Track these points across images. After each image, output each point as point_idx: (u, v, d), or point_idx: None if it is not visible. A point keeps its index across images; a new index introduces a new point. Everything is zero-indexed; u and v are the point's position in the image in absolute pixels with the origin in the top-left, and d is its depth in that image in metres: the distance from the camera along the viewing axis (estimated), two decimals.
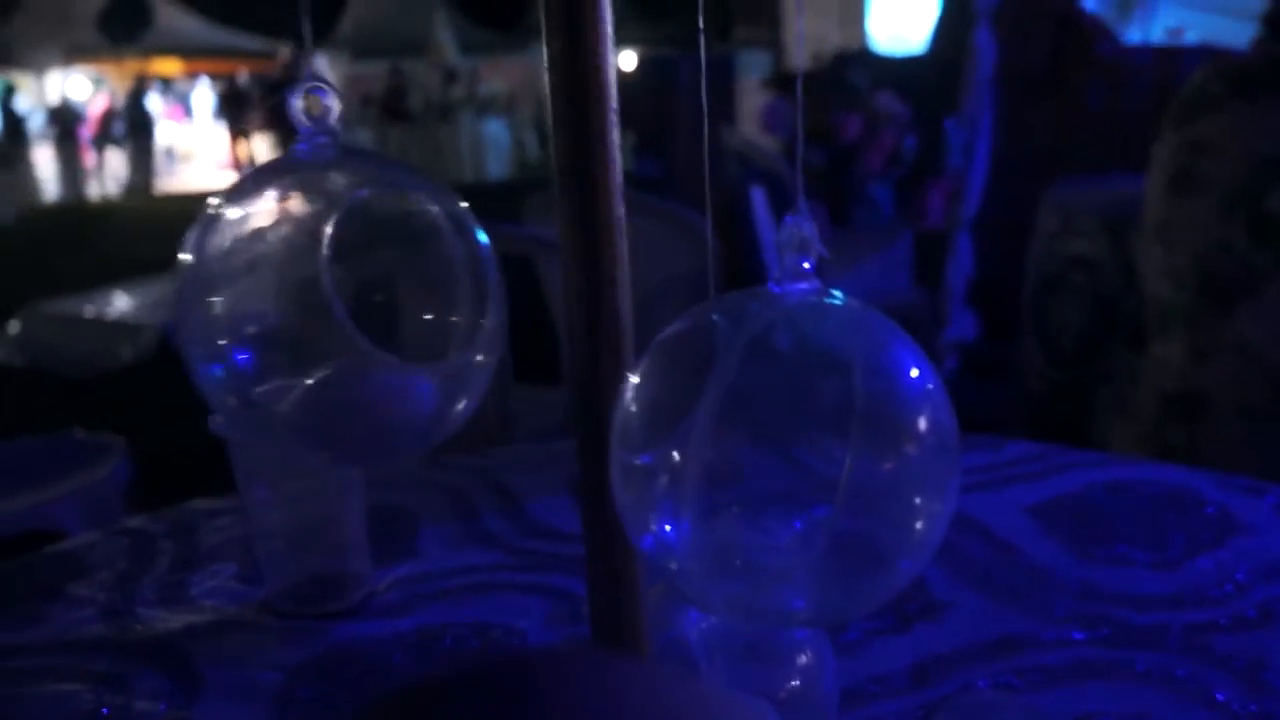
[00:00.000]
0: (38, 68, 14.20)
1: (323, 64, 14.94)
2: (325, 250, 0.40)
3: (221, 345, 0.42)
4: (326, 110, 0.43)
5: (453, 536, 0.96)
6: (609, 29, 0.39)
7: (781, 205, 3.47)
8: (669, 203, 2.70)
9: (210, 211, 0.43)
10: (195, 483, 1.12)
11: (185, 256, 0.43)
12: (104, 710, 0.71)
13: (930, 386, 0.38)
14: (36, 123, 13.84)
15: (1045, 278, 2.51)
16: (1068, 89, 3.66)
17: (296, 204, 0.42)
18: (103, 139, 14.00)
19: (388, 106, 12.74)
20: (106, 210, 11.94)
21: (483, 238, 0.43)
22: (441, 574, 0.90)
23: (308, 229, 0.41)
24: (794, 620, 0.46)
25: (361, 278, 0.43)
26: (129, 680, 0.75)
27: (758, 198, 3.46)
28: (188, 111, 16.49)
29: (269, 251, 0.42)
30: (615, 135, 0.39)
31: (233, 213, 0.43)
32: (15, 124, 13.20)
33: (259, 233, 0.42)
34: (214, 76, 15.57)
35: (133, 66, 14.81)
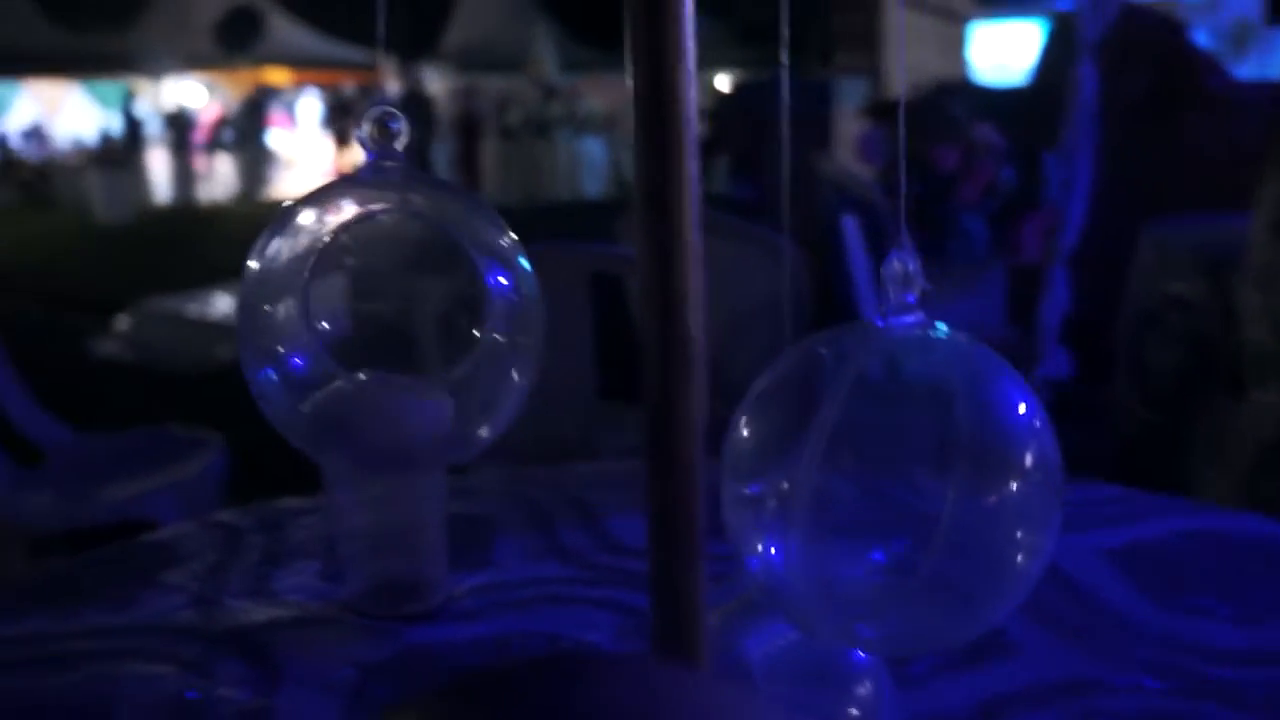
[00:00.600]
0: (155, 74, 14.71)
1: (429, 77, 15.26)
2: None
3: (277, 350, 0.44)
4: (394, 135, 0.45)
5: (529, 548, 0.98)
6: (693, 54, 0.40)
7: (874, 234, 3.45)
8: (760, 227, 2.70)
9: (274, 225, 0.45)
10: (286, 481, 1.16)
11: (250, 264, 0.45)
12: (189, 694, 0.74)
13: (1036, 422, 0.38)
14: (153, 127, 14.34)
15: (1141, 317, 2.45)
16: (1172, 123, 3.59)
17: (346, 220, 0.44)
18: (214, 144, 14.45)
19: (463, 126, 12.88)
20: (214, 214, 12.31)
21: (525, 264, 0.45)
22: (516, 584, 0.91)
23: (345, 245, 0.43)
24: (881, 648, 0.47)
25: (397, 297, 0.45)
26: (214, 667, 0.78)
27: (849, 226, 3.44)
28: (293, 120, 16.93)
29: (316, 264, 0.44)
30: (694, 160, 0.40)
31: (294, 226, 0.45)
32: (133, 128, 13.70)
33: (311, 247, 0.44)
34: (320, 87, 15.98)
35: (245, 75, 15.27)
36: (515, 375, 0.48)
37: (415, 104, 12.37)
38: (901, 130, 0.42)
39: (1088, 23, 3.52)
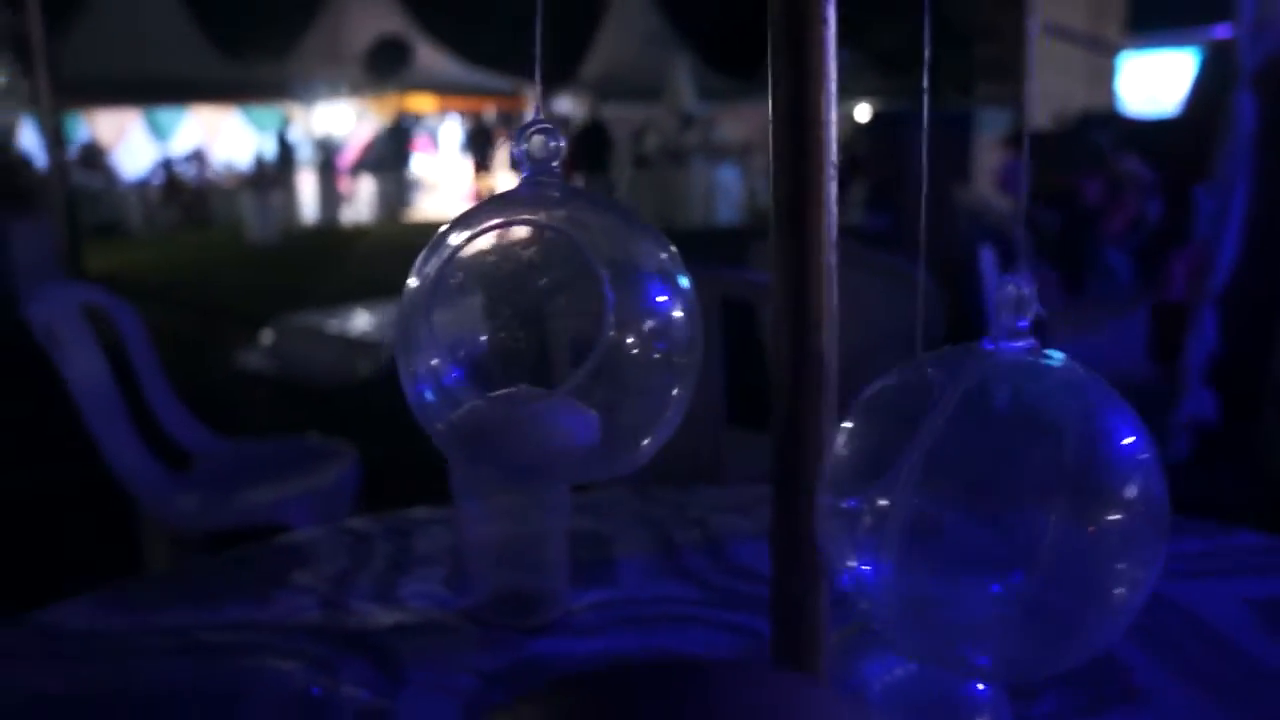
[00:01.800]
0: (308, 101, 15.30)
1: (567, 105, 15.52)
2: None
3: (433, 365, 0.45)
4: (552, 152, 0.46)
5: (650, 567, 0.99)
6: (833, 82, 0.40)
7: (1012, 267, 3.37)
8: (894, 257, 2.67)
9: (432, 242, 0.47)
10: (417, 492, 1.19)
11: (410, 281, 0.47)
12: (314, 690, 0.77)
13: (1144, 456, 0.37)
14: (304, 152, 14.91)
15: None
16: None
17: (509, 237, 0.45)
18: (359, 168, 14.95)
19: (579, 155, 12.94)
20: (357, 234, 12.72)
21: (684, 283, 0.45)
22: (636, 601, 0.92)
23: (514, 261, 0.44)
24: (976, 673, 0.46)
25: (554, 314, 0.46)
26: (339, 666, 0.80)
27: (987, 258, 3.37)
28: (436, 145, 17.39)
29: (479, 281, 0.45)
30: (832, 186, 0.40)
31: (454, 241, 0.46)
32: (286, 152, 14.28)
33: (473, 262, 0.45)
34: (462, 113, 16.39)
35: (392, 102, 15.77)
36: (674, 391, 0.48)
37: (595, 131, 12.63)
38: (1025, 157, 0.41)
39: (1246, 51, 3.38)
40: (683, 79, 14.50)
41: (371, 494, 2.35)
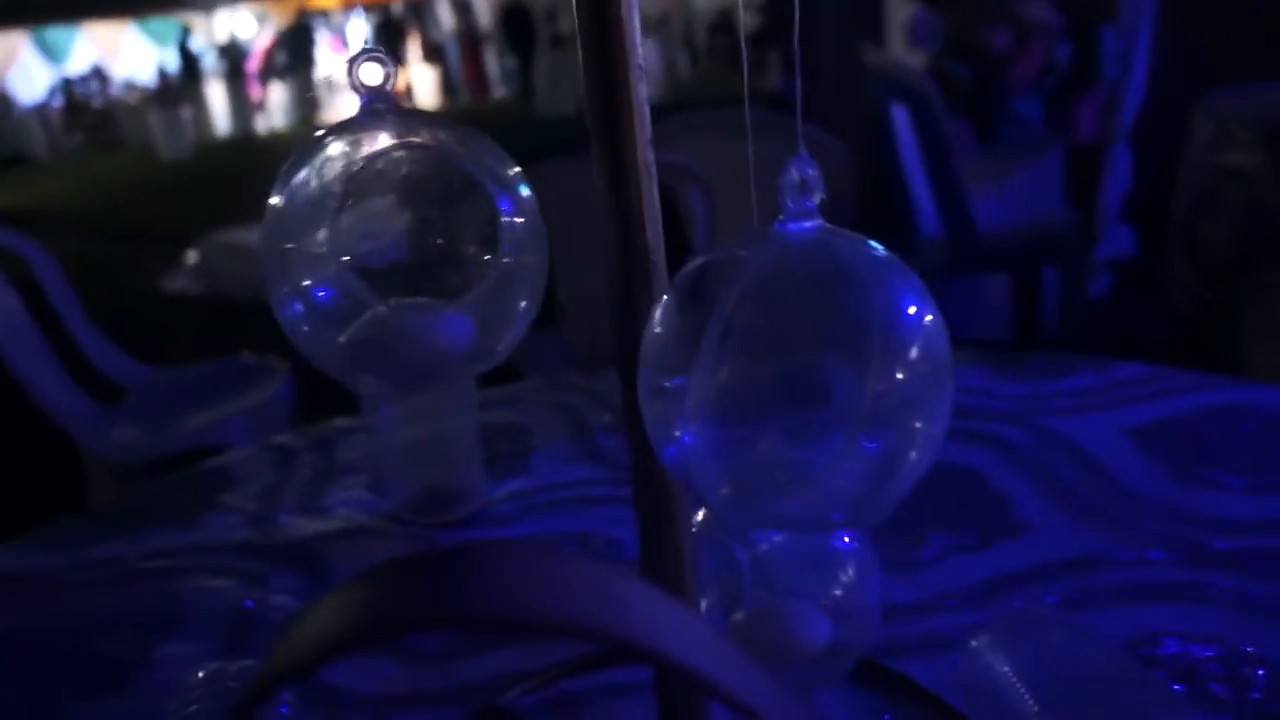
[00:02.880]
0: (206, 8, 14.76)
1: None
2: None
3: (301, 284, 0.47)
4: (385, 77, 0.47)
5: (565, 453, 1.02)
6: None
7: (925, 126, 3.39)
8: (807, 124, 2.67)
9: (287, 166, 0.48)
10: (350, 402, 1.21)
11: (271, 202, 0.48)
12: (248, 603, 0.80)
13: (928, 318, 0.40)
14: (208, 62, 14.43)
15: (1197, 191, 2.40)
16: None
17: (357, 157, 0.47)
18: (266, 74, 14.52)
19: (506, 32, 12.79)
20: (272, 143, 12.42)
21: (525, 190, 0.48)
22: (551, 487, 0.96)
23: (361, 179, 0.46)
24: (821, 526, 0.50)
25: (414, 226, 0.48)
26: (269, 579, 0.83)
27: (899, 117, 3.39)
28: (345, 44, 16.90)
29: (334, 200, 0.47)
30: (642, 88, 0.42)
31: (309, 165, 0.48)
32: (189, 64, 13.81)
33: (327, 183, 0.47)
34: (367, 8, 15.89)
35: (293, 2, 15.25)
36: (525, 294, 0.51)
37: (518, 15, 12.44)
38: (796, 33, 0.43)
39: None
40: None
41: (305, 405, 2.37)
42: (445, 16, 15.08)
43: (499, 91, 14.61)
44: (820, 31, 4.53)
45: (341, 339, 0.48)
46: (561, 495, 0.93)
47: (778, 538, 0.57)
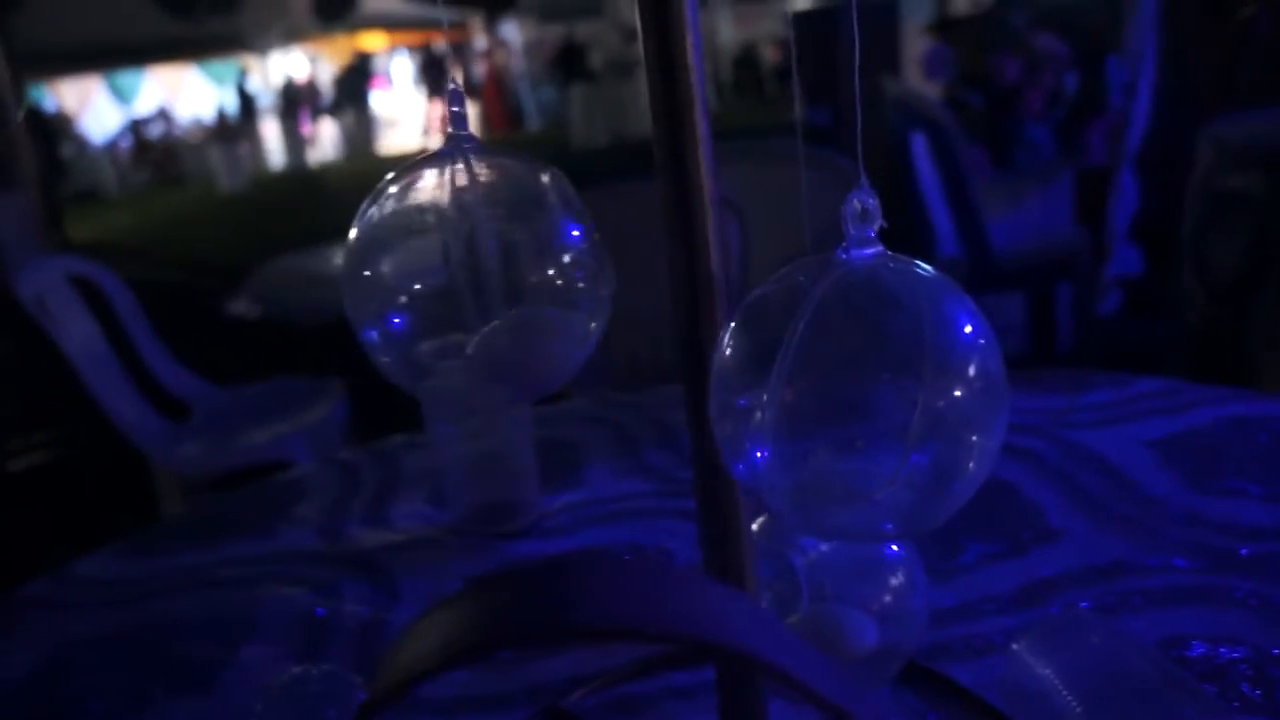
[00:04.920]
0: (262, 51, 14.96)
1: (511, 29, 15.23)
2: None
3: (380, 311, 0.48)
4: (464, 117, 0.48)
5: (615, 468, 1.02)
6: (698, 34, 0.42)
7: (943, 152, 3.38)
8: (830, 151, 2.67)
9: (370, 198, 0.49)
10: (402, 418, 1.21)
11: (352, 232, 0.49)
12: (319, 611, 0.81)
13: (982, 340, 0.41)
14: (265, 101, 14.62)
15: (1202, 213, 2.38)
16: (1233, 20, 3.42)
17: (444, 189, 0.48)
18: (315, 111, 14.67)
19: (564, 66, 12.91)
20: (324, 175, 12.53)
21: (589, 221, 0.49)
22: (603, 500, 0.96)
23: (451, 209, 0.47)
24: (878, 537, 0.50)
25: (487, 253, 0.49)
26: (339, 587, 0.84)
27: (918, 145, 3.38)
28: (390, 81, 17.05)
29: (422, 228, 0.48)
30: (706, 127, 0.42)
31: (393, 193, 0.49)
32: (247, 103, 13.99)
33: (414, 212, 0.48)
34: (410, 48, 16.03)
35: (343, 44, 15.43)
36: (596, 318, 0.51)
37: (571, 50, 12.61)
38: (856, 77, 0.43)
39: None
40: None
41: (360, 422, 2.38)
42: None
43: (533, 125, 14.69)
44: (841, 65, 4.53)
45: (469, 350, 0.48)
46: (614, 508, 0.94)
47: (827, 546, 0.57)
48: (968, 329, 0.40)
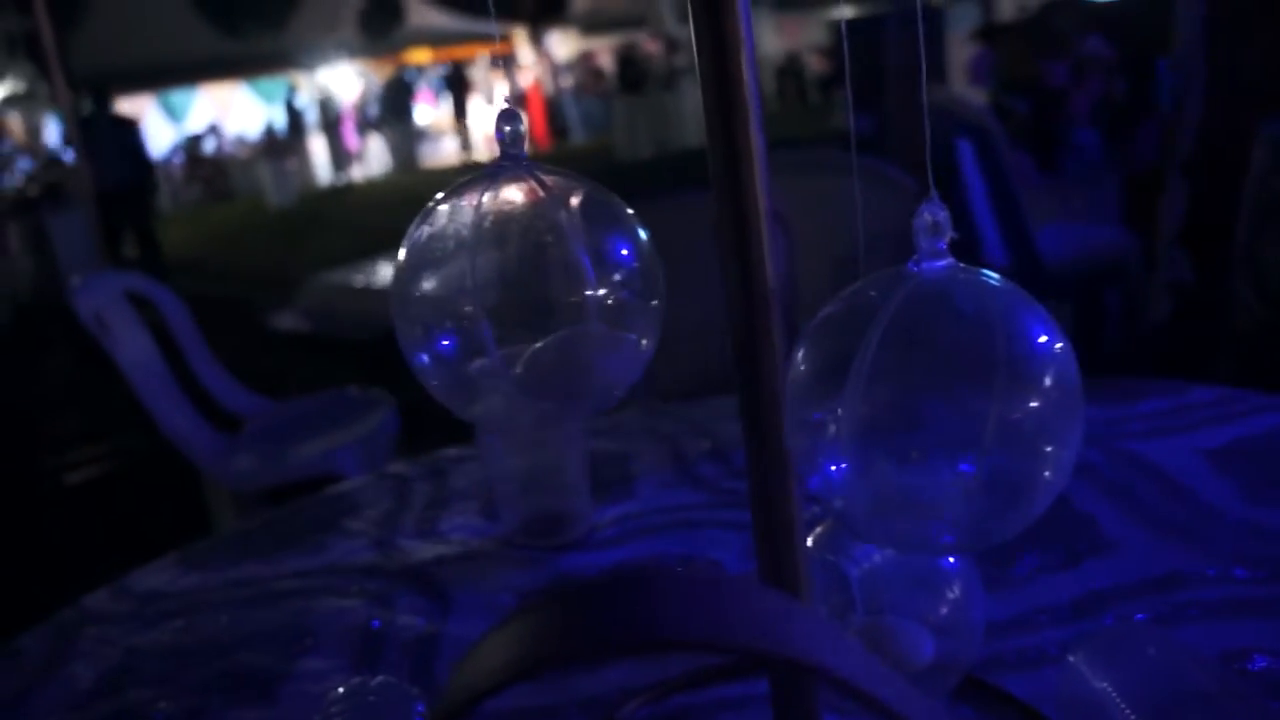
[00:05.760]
0: (310, 67, 15.18)
1: (555, 41, 15.32)
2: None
3: (429, 333, 0.49)
4: (519, 135, 0.49)
5: (665, 479, 1.03)
6: (751, 47, 0.42)
7: (989, 159, 3.35)
8: (876, 160, 2.66)
9: (419, 218, 0.50)
10: (451, 431, 1.23)
11: (401, 252, 0.50)
12: (374, 623, 0.82)
13: (1060, 347, 0.41)
14: (314, 117, 14.81)
15: (1257, 216, 2.34)
16: None
17: (496, 207, 0.48)
18: (364, 125, 14.84)
19: (623, 78, 12.94)
20: (370, 189, 12.66)
21: (644, 235, 0.49)
22: (653, 511, 0.96)
23: (499, 228, 0.47)
24: (942, 549, 0.50)
25: (537, 270, 0.49)
26: (393, 599, 0.85)
27: (965, 151, 3.35)
28: (436, 96, 17.21)
29: (471, 247, 0.48)
30: (761, 139, 0.43)
31: (437, 216, 0.49)
32: (296, 119, 14.19)
33: (462, 231, 0.48)
34: (455, 62, 16.16)
35: (390, 59, 15.61)
36: (647, 333, 0.52)
37: (631, 61, 12.72)
38: (923, 96, 0.44)
39: None
40: (664, 4, 14.24)
41: (409, 435, 2.40)
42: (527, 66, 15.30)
43: (577, 137, 14.75)
44: (886, 73, 4.51)
45: (517, 369, 0.49)
46: (664, 519, 0.94)
47: (880, 557, 0.57)
48: (1042, 339, 0.40)
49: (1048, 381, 0.41)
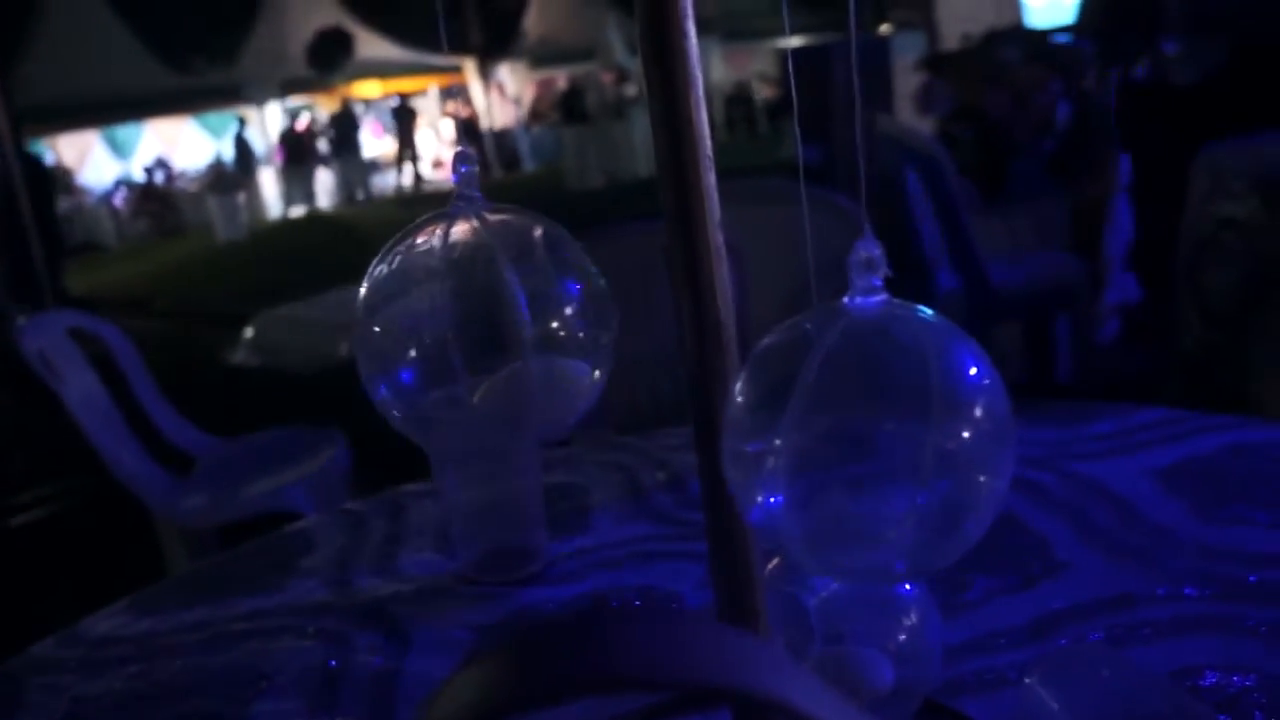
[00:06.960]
0: (259, 101, 15.09)
1: (504, 73, 15.37)
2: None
3: (390, 366, 0.49)
4: (473, 176, 0.49)
5: (622, 512, 1.03)
6: (700, 86, 0.43)
7: (936, 187, 3.40)
8: (822, 190, 2.69)
9: (378, 258, 0.50)
10: (403, 466, 1.22)
11: (361, 290, 0.50)
12: (331, 662, 0.81)
13: (986, 380, 0.41)
14: (261, 150, 14.72)
15: (1197, 240, 2.40)
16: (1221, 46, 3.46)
17: (449, 247, 0.49)
18: (311, 159, 14.74)
19: (566, 109, 13.02)
20: (318, 222, 12.58)
21: (594, 271, 0.49)
22: (610, 545, 0.96)
23: (456, 266, 0.48)
24: (889, 577, 0.50)
25: (491, 307, 0.50)
26: (350, 638, 0.84)
27: (912, 181, 3.41)
28: (385, 128, 17.14)
29: (428, 284, 0.49)
30: (711, 177, 0.43)
31: (400, 250, 0.50)
32: (245, 154, 14.08)
33: (420, 269, 0.49)
34: (403, 95, 16.13)
35: (340, 92, 15.57)
36: (599, 366, 0.53)
37: (575, 93, 12.74)
38: (858, 132, 0.45)
39: None
40: (614, 35, 14.35)
41: (361, 470, 2.38)
42: (479, 98, 15.32)
43: (528, 167, 14.78)
44: (834, 102, 4.57)
45: (475, 398, 0.49)
46: (621, 552, 0.94)
47: (838, 587, 0.57)
48: (973, 371, 0.41)
49: (978, 412, 0.42)
